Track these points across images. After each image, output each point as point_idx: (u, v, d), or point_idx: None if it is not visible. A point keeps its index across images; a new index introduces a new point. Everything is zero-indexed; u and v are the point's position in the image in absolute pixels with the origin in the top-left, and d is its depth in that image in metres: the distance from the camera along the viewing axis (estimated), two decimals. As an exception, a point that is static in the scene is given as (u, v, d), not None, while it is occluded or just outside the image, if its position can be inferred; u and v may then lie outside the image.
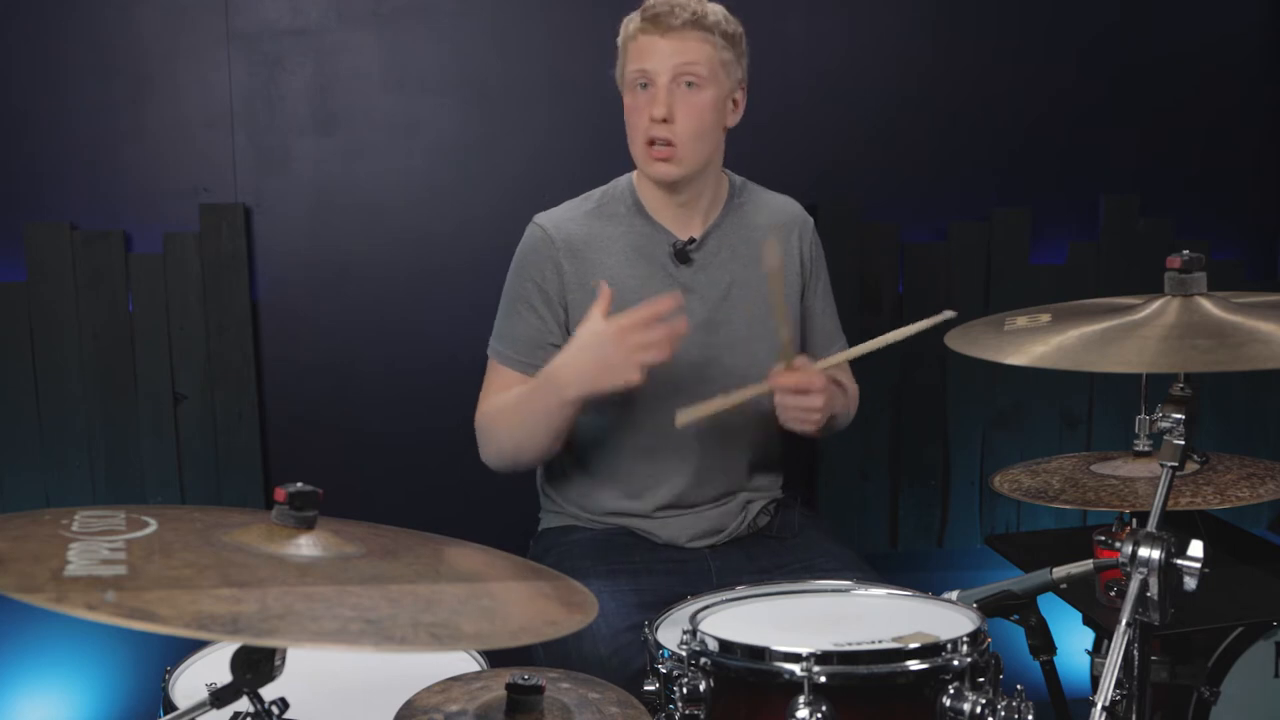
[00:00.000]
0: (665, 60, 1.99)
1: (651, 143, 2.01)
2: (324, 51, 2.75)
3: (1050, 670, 1.87)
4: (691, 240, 2.11)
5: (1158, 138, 3.07)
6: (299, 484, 1.17)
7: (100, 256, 2.69)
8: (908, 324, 1.91)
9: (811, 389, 1.97)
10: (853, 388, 2.26)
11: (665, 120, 1.99)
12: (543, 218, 2.13)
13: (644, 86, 2.01)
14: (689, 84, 1.99)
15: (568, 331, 2.08)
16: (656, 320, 1.88)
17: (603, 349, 1.89)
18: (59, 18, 2.66)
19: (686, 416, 1.96)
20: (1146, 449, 1.96)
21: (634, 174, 2.16)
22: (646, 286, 2.08)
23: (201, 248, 2.72)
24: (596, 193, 2.17)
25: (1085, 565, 1.72)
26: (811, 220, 2.26)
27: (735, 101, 2.08)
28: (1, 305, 2.67)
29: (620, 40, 2.07)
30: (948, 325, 1.74)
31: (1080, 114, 3.03)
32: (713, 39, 2.01)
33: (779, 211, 2.22)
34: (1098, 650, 2.10)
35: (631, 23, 2.04)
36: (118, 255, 2.70)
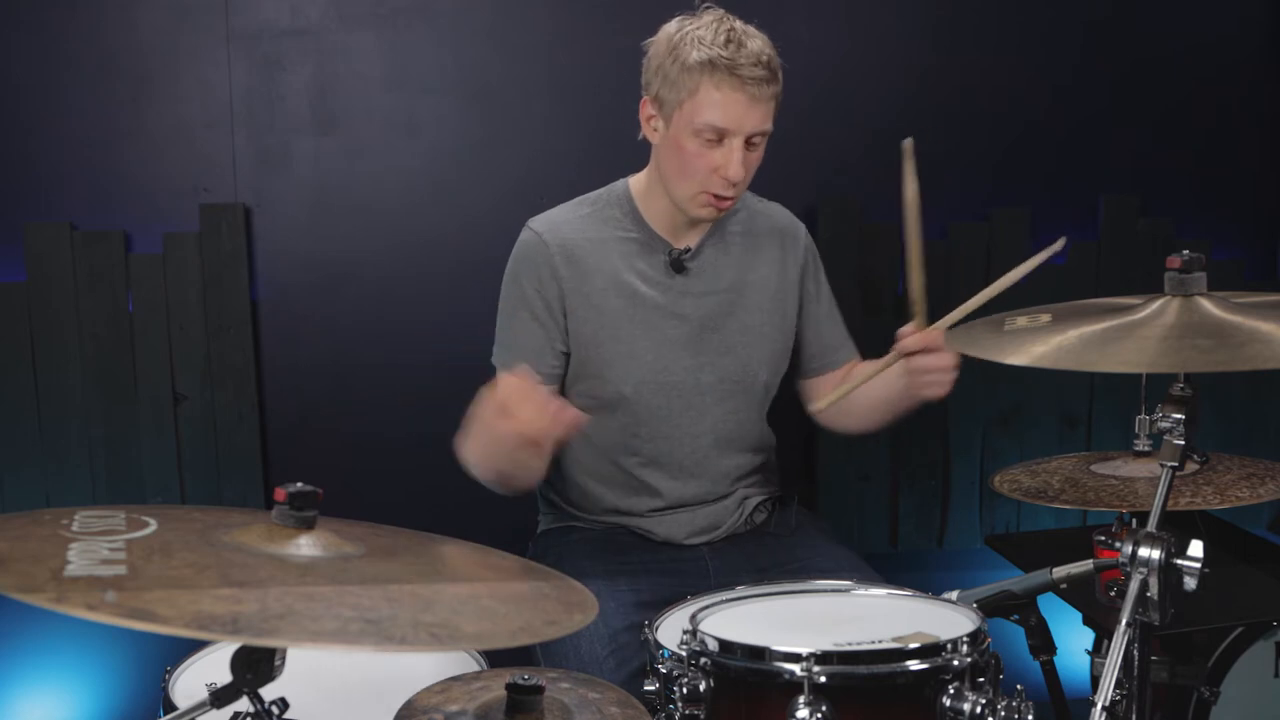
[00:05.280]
0: (749, 124, 1.91)
1: (712, 194, 1.97)
2: (324, 51, 2.75)
3: (1050, 670, 1.87)
4: (687, 249, 2.10)
5: (1158, 138, 3.07)
6: (299, 484, 1.17)
7: (100, 256, 2.69)
8: (1011, 269, 1.87)
9: (939, 346, 1.88)
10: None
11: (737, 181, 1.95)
12: (537, 222, 2.11)
13: (713, 137, 1.92)
14: (754, 144, 1.96)
15: (567, 338, 2.07)
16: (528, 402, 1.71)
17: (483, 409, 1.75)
18: (59, 18, 2.66)
19: (825, 401, 1.99)
20: (1146, 449, 1.95)
21: (631, 180, 2.15)
22: (641, 294, 2.08)
23: (201, 248, 2.72)
24: (591, 196, 2.15)
25: (1085, 565, 1.72)
26: (804, 229, 2.24)
27: None
28: (1, 305, 2.68)
29: (689, 65, 1.90)
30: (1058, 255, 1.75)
31: (1080, 114, 3.03)
32: (778, 91, 1.95)
33: (774, 220, 2.21)
34: (1098, 650, 2.10)
35: (714, 61, 1.88)
36: (118, 255, 2.70)
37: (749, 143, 1.94)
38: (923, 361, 1.89)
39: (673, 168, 1.99)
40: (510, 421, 1.69)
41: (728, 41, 1.89)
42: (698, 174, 1.95)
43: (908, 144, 1.83)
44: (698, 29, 1.92)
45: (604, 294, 2.07)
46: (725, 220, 2.15)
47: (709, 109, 1.90)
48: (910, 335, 1.90)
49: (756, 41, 1.92)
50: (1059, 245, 1.77)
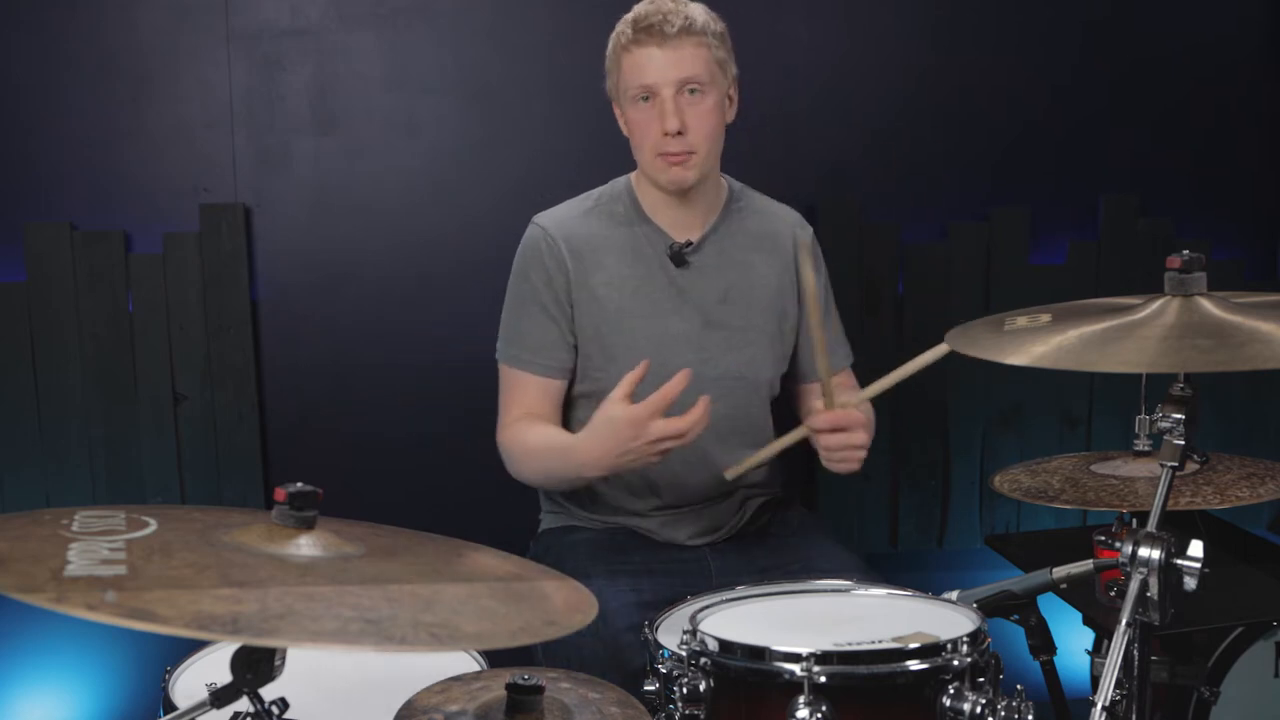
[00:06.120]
0: (666, 72, 1.98)
1: (665, 154, 2.01)
2: (324, 51, 2.75)
3: (1050, 670, 1.87)
4: (689, 243, 2.11)
5: (1157, 138, 3.07)
6: (299, 484, 1.17)
7: (100, 256, 2.69)
8: (910, 357, 1.89)
9: (852, 425, 1.92)
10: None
11: (680, 133, 1.99)
12: (542, 218, 2.14)
13: (646, 100, 2.00)
14: (692, 91, 1.99)
15: (574, 330, 2.08)
16: (672, 401, 1.83)
17: (620, 438, 1.85)
18: (59, 18, 2.66)
19: (735, 471, 2.03)
20: (1146, 449, 1.96)
21: (632, 175, 2.17)
22: (644, 288, 2.09)
23: (201, 248, 2.72)
24: (595, 193, 2.18)
25: (1085, 565, 1.72)
26: (811, 230, 2.25)
27: (730, 98, 2.09)
28: (1, 305, 2.67)
29: (611, 53, 2.05)
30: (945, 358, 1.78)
31: (1080, 114, 3.03)
32: (706, 41, 2.00)
33: (780, 220, 2.22)
34: (1098, 650, 2.10)
35: (622, 36, 2.02)
36: (118, 255, 2.70)
37: (687, 94, 1.99)
38: (829, 440, 1.93)
39: (634, 145, 2.08)
40: (672, 441, 1.83)
41: (636, 14, 2.01)
42: (646, 140, 2.03)
43: (805, 239, 1.86)
44: (625, 17, 2.04)
45: (608, 287, 2.08)
46: (729, 216, 2.16)
47: (631, 73, 2.01)
48: (820, 414, 1.93)
49: (670, 3, 2.01)
50: (944, 349, 1.78)
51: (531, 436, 2.07)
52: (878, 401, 2.93)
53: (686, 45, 1.98)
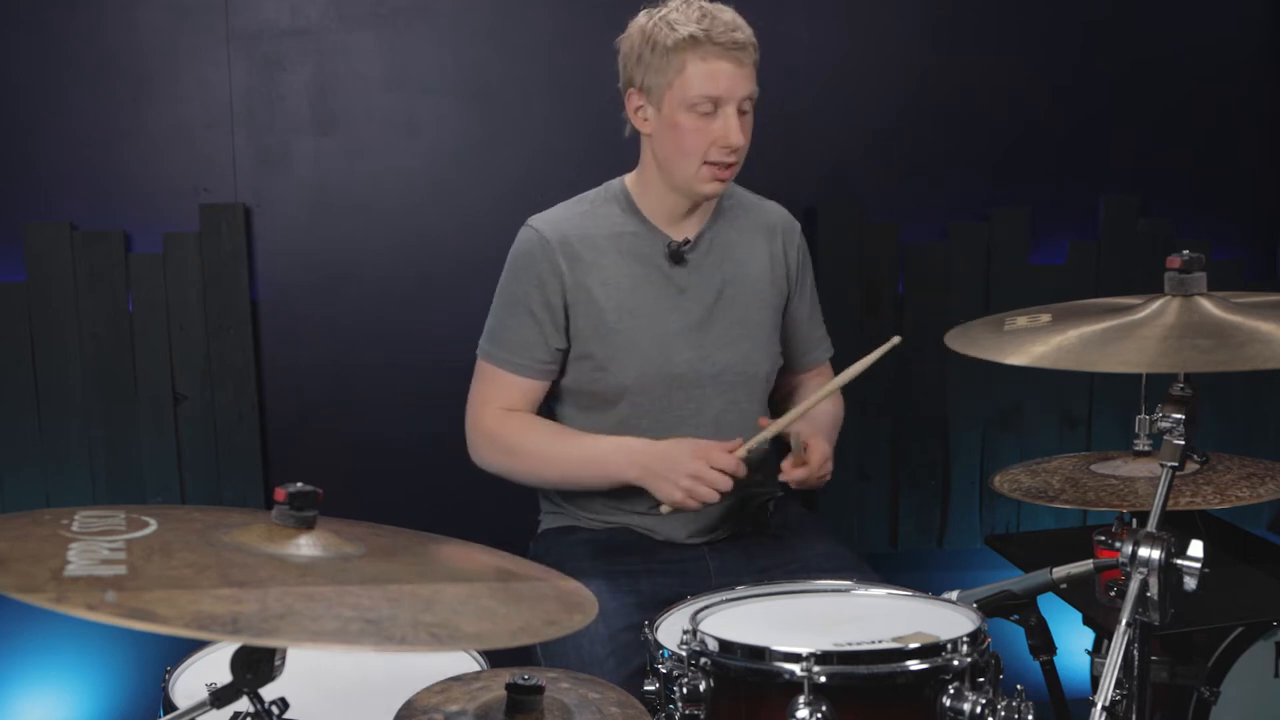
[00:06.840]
0: (739, 90, 1.97)
1: (716, 165, 2.01)
2: (324, 51, 2.75)
3: (1050, 670, 1.87)
4: (686, 241, 2.11)
5: (1158, 138, 3.07)
6: (299, 484, 1.17)
7: (100, 256, 2.69)
8: (867, 352, 1.94)
9: (814, 461, 2.00)
10: (836, 403, 2.28)
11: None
12: (537, 220, 2.13)
13: (708, 110, 1.98)
14: (747, 104, 2.01)
15: (568, 334, 2.09)
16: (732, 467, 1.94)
17: (681, 462, 1.94)
18: (59, 18, 2.66)
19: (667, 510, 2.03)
20: (1146, 449, 1.95)
21: (627, 176, 2.16)
22: (641, 287, 2.09)
23: (201, 248, 2.72)
24: (589, 194, 2.17)
25: (1085, 565, 1.72)
26: (799, 226, 2.26)
27: None
28: (1, 305, 2.68)
29: (666, 51, 1.97)
30: (896, 349, 1.89)
31: (1080, 114, 3.03)
32: (758, 58, 2.01)
33: (770, 215, 2.23)
34: (1098, 650, 2.10)
35: (690, 40, 1.95)
36: (118, 255, 2.70)
37: (740, 110, 1.99)
38: (806, 481, 2.02)
39: (671, 149, 2.03)
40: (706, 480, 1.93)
41: (701, 17, 1.97)
42: (698, 149, 2.00)
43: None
44: (668, 14, 2.00)
45: (605, 288, 2.08)
46: (722, 214, 2.16)
47: (699, 81, 1.96)
48: (790, 471, 2.01)
49: (727, 13, 2.00)
50: (895, 340, 1.92)
51: (540, 436, 2.10)
52: (877, 403, 2.96)
53: (750, 62, 1.99)
